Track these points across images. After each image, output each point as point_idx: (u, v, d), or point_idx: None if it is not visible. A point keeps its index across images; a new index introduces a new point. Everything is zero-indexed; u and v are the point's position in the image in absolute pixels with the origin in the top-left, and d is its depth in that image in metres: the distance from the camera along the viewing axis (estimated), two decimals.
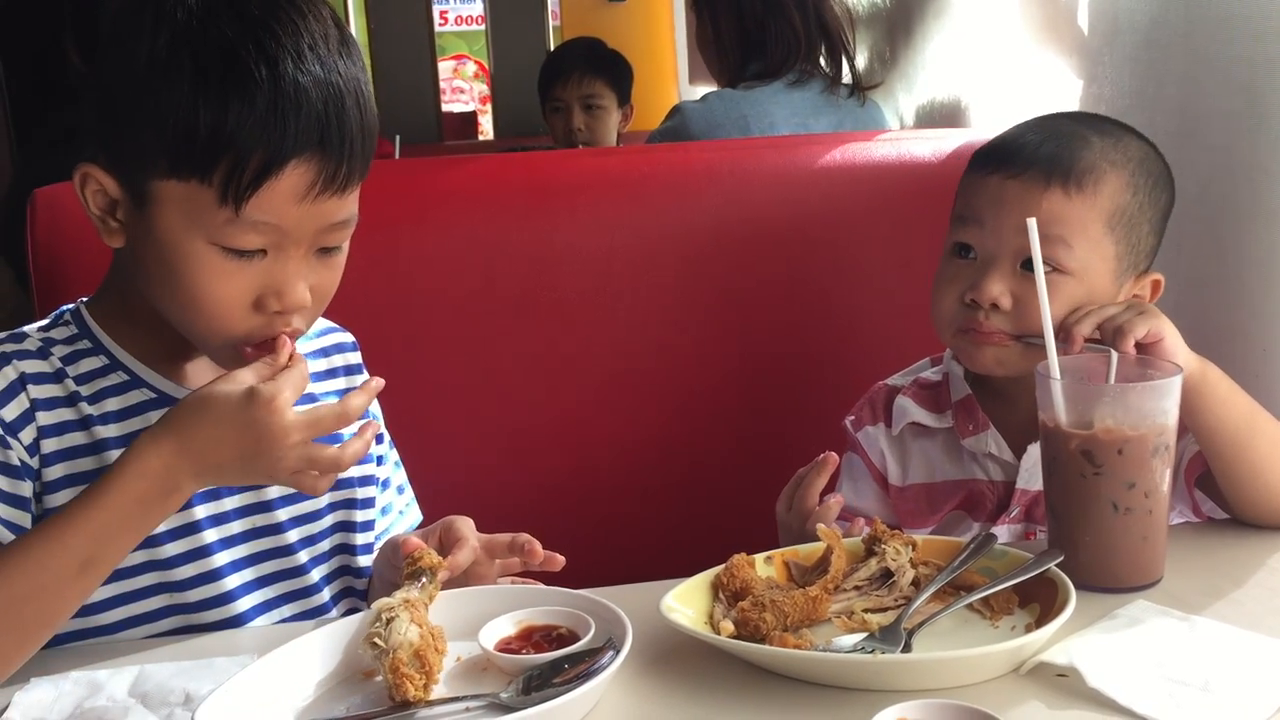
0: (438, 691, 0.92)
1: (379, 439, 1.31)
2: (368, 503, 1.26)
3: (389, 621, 0.91)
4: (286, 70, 0.99)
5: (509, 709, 0.86)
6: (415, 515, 1.36)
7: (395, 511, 1.33)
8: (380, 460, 1.32)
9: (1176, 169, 1.47)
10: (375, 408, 1.32)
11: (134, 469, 0.97)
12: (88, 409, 1.11)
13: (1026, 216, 1.17)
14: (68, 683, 0.97)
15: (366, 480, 1.26)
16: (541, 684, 0.88)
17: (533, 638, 0.97)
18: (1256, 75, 1.32)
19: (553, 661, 0.91)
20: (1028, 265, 1.18)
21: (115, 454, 1.10)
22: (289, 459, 0.99)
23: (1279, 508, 1.13)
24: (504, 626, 0.97)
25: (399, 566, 1.05)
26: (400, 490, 1.35)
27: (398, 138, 3.53)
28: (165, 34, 1.00)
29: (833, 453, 1.20)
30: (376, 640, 0.90)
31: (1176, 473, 1.17)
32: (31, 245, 1.49)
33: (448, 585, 1.06)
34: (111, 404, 1.12)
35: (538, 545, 1.09)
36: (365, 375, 1.31)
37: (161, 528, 1.11)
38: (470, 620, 0.98)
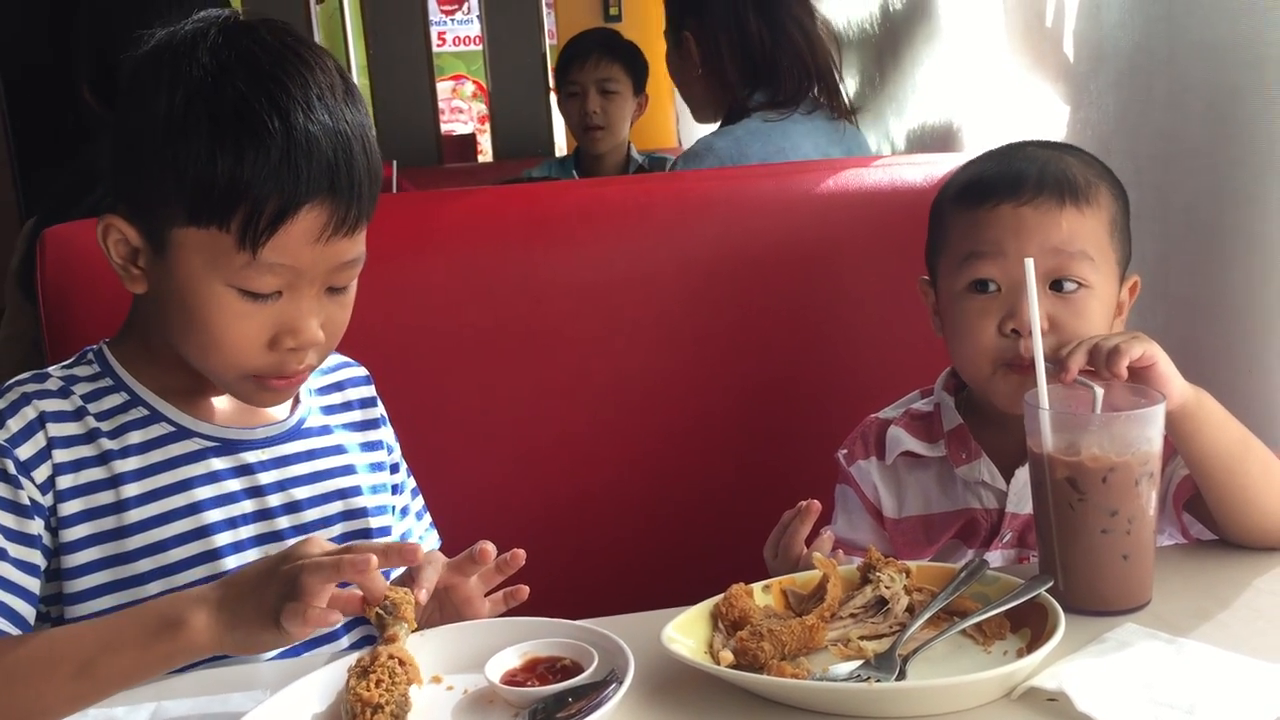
0: None
1: (394, 468, 1.35)
2: (383, 531, 1.29)
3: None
4: (297, 120, 1.05)
5: None
6: (434, 540, 1.39)
7: (415, 538, 1.36)
8: (397, 489, 1.35)
9: (1163, 192, 1.50)
10: (392, 437, 1.36)
11: (165, 600, 0.98)
12: (108, 444, 1.15)
13: (1048, 237, 1.22)
14: None
15: (380, 509, 1.29)
16: (547, 717, 0.91)
17: (537, 669, 0.99)
18: (1238, 102, 1.35)
19: (557, 694, 0.93)
20: (1055, 286, 1.22)
21: (132, 487, 1.15)
22: (296, 568, 0.95)
23: (1269, 530, 1.15)
24: (509, 659, 1.00)
25: None
26: (419, 516, 1.39)
27: (395, 163, 3.55)
28: (182, 91, 1.06)
29: (815, 501, 1.20)
30: None
31: (1164, 496, 1.20)
32: (41, 284, 1.52)
33: (451, 618, 1.10)
34: (134, 437, 1.16)
35: (490, 547, 1.08)
36: (380, 408, 1.35)
37: (181, 555, 1.15)
38: (477, 653, 1.01)
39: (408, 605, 1.01)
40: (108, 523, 1.14)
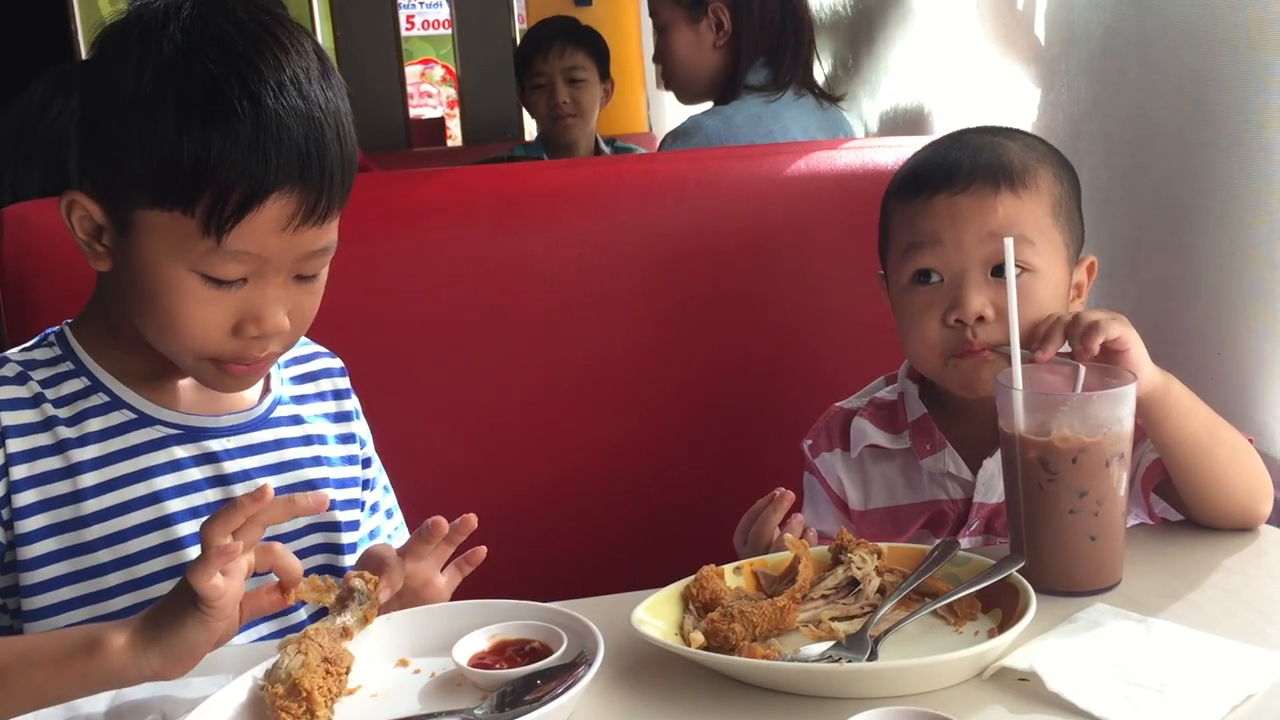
0: (411, 709, 0.93)
1: (366, 463, 1.32)
2: (352, 525, 1.27)
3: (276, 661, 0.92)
4: (268, 104, 1.01)
5: None
6: (403, 539, 1.36)
7: (384, 536, 1.33)
8: (369, 484, 1.33)
9: (1134, 175, 1.50)
10: (365, 431, 1.34)
11: (94, 625, 0.94)
12: (65, 432, 1.12)
13: (985, 223, 1.21)
14: None
15: (349, 504, 1.27)
16: (515, 700, 0.89)
17: (506, 652, 0.98)
18: (1208, 85, 1.35)
19: (526, 677, 0.92)
20: (997, 272, 1.20)
21: (90, 477, 1.12)
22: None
23: (1238, 513, 1.16)
24: (477, 641, 0.99)
25: None
26: (389, 514, 1.36)
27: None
28: (150, 68, 1.02)
29: (790, 491, 1.19)
30: (258, 678, 0.91)
31: (1133, 478, 1.19)
32: (0, 263, 1.49)
33: (410, 604, 1.08)
34: (93, 424, 1.13)
35: (441, 521, 1.07)
36: (354, 401, 1.33)
37: (142, 546, 1.13)
38: (444, 635, 1.00)
39: (373, 607, 1.01)
40: (65, 513, 1.12)
